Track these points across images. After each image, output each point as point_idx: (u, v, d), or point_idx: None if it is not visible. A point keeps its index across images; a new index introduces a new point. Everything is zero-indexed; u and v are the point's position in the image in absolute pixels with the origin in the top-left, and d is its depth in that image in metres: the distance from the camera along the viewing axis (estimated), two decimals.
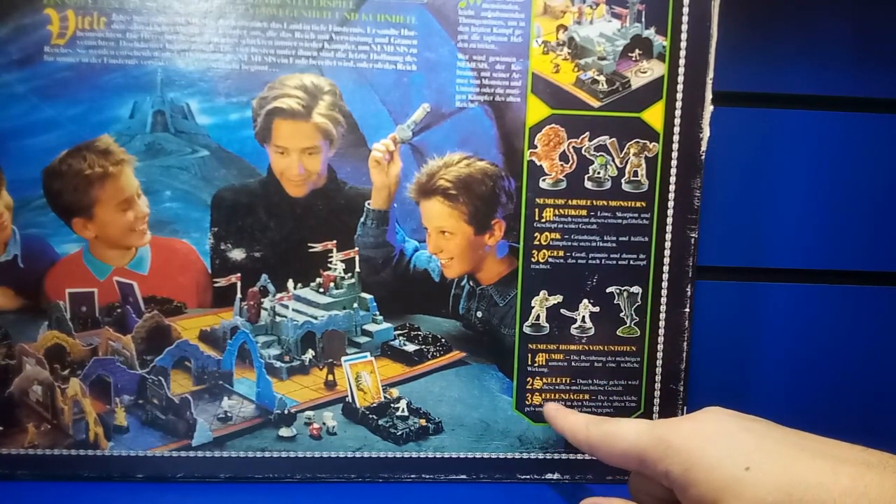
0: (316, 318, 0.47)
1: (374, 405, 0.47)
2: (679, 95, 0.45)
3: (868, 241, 0.58)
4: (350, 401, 0.47)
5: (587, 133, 0.45)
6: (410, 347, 0.48)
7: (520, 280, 0.47)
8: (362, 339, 0.48)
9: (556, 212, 0.46)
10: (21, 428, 0.46)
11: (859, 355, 0.59)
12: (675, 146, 0.46)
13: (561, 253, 0.46)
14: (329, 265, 0.46)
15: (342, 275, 0.46)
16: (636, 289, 0.47)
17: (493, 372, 0.48)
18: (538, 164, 0.46)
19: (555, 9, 0.44)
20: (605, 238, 0.46)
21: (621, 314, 0.47)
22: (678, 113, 0.45)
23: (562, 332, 0.47)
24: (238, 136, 0.44)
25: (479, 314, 0.48)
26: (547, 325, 0.47)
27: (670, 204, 0.46)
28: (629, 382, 0.48)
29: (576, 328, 0.47)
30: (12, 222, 0.44)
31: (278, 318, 0.47)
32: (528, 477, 0.48)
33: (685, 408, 0.48)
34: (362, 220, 0.46)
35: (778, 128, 0.56)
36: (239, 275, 0.46)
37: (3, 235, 0.44)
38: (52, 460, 0.46)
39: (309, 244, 0.46)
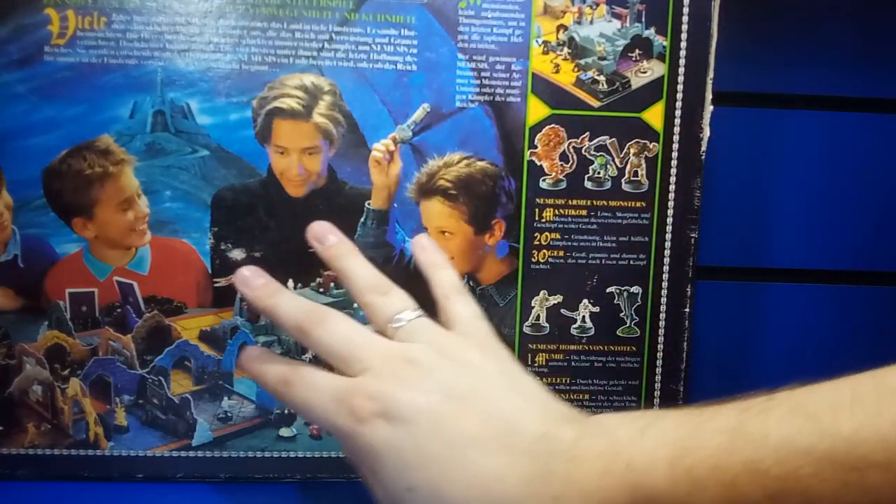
0: None
1: None
2: (679, 95, 0.45)
3: (868, 241, 0.58)
4: None
5: (587, 133, 0.45)
6: None
7: (520, 280, 0.47)
8: None
9: (556, 212, 0.46)
10: (21, 428, 0.46)
11: (859, 355, 0.59)
12: (676, 146, 0.46)
13: (561, 253, 0.46)
14: None
15: None
16: (636, 289, 0.47)
17: None
18: (538, 164, 0.46)
19: (555, 9, 0.44)
20: (605, 238, 0.46)
21: (621, 314, 0.47)
22: (678, 113, 0.45)
23: (562, 332, 0.47)
24: (238, 136, 0.44)
25: None
26: (547, 325, 0.47)
27: (670, 204, 0.46)
28: (629, 382, 0.48)
29: (576, 328, 0.47)
30: (12, 222, 0.44)
31: None
32: None
33: None
34: (362, 220, 0.46)
35: (778, 128, 0.56)
36: None
37: (3, 235, 0.44)
38: (52, 460, 0.46)
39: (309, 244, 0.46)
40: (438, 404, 0.31)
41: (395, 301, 0.36)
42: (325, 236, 0.38)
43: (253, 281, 0.36)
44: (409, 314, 0.35)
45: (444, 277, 0.38)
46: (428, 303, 0.47)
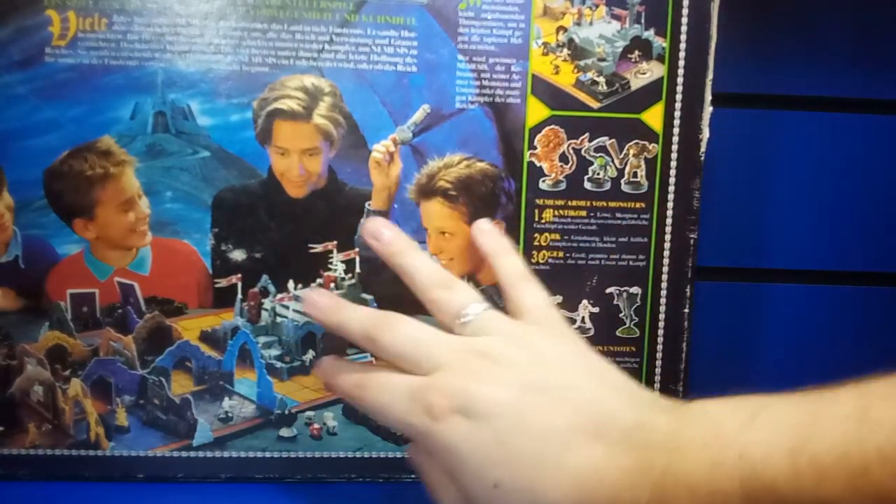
0: None
1: None
2: (678, 97, 0.45)
3: (868, 241, 0.58)
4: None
5: (587, 134, 0.46)
6: None
7: None
8: None
9: (556, 213, 0.46)
10: (22, 428, 0.46)
11: (859, 356, 0.59)
12: (675, 147, 0.46)
13: (560, 254, 0.47)
14: (329, 266, 0.46)
15: (343, 275, 0.47)
16: (636, 289, 0.47)
17: None
18: (538, 165, 0.46)
19: (554, 10, 0.45)
20: (604, 239, 0.46)
21: (621, 315, 0.47)
22: (678, 114, 0.46)
23: None
24: (239, 137, 0.45)
25: None
26: None
27: (670, 205, 0.46)
28: None
29: (575, 328, 0.47)
30: (13, 223, 0.44)
31: (279, 319, 0.47)
32: None
33: None
34: (363, 221, 0.46)
35: (777, 129, 0.56)
36: (240, 275, 0.46)
37: (5, 236, 0.44)
38: (53, 460, 0.46)
39: (309, 245, 0.46)
40: (520, 397, 0.30)
41: (460, 295, 0.35)
42: (380, 232, 0.37)
43: (318, 300, 0.36)
44: (477, 307, 0.34)
45: (510, 264, 0.37)
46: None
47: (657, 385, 0.48)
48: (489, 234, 0.39)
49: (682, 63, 0.45)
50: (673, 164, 0.46)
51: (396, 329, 0.34)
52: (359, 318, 0.35)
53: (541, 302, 0.35)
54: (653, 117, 0.46)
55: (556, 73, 0.45)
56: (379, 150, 0.45)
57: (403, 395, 0.32)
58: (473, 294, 0.35)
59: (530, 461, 0.29)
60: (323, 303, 0.36)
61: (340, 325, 0.35)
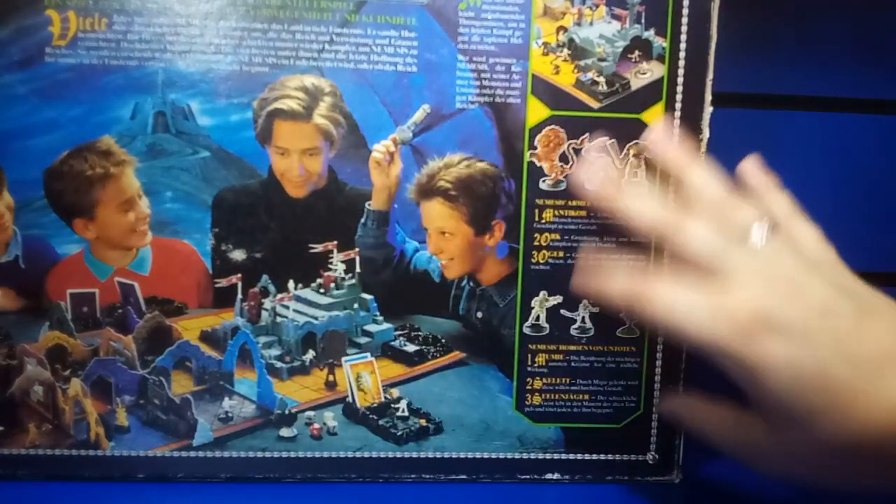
0: (316, 318, 0.47)
1: (375, 405, 0.47)
2: (679, 97, 0.45)
3: (868, 241, 0.58)
4: (350, 401, 0.47)
5: (587, 134, 0.46)
6: (411, 348, 0.48)
7: (520, 281, 0.47)
8: (363, 340, 0.48)
9: (556, 213, 0.46)
10: (22, 428, 0.46)
11: None
12: None
13: (561, 254, 0.47)
14: (329, 266, 0.46)
15: (342, 275, 0.47)
16: None
17: (493, 372, 0.48)
18: (538, 165, 0.46)
19: (555, 10, 0.45)
20: (604, 239, 0.46)
21: (621, 314, 0.47)
22: (678, 114, 0.46)
23: (562, 333, 0.47)
24: (239, 137, 0.45)
25: (480, 315, 0.48)
26: (547, 325, 0.47)
27: None
28: (629, 383, 0.48)
29: (576, 328, 0.47)
30: (13, 223, 0.44)
31: (279, 319, 0.47)
32: (528, 477, 0.48)
33: None
34: (363, 220, 0.46)
35: (777, 129, 0.56)
36: (240, 275, 0.46)
37: (5, 236, 0.44)
38: (53, 460, 0.46)
39: (309, 245, 0.46)
40: (838, 322, 0.30)
41: (749, 214, 0.34)
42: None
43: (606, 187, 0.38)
44: (766, 229, 0.34)
45: (781, 199, 0.38)
46: (428, 303, 0.48)
47: (657, 385, 0.48)
48: (757, 174, 0.40)
49: (682, 63, 0.45)
50: None
51: (690, 230, 0.33)
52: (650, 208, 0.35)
53: (815, 236, 0.37)
54: (653, 117, 0.46)
55: (557, 73, 0.45)
56: (379, 150, 0.45)
57: (702, 310, 0.31)
58: (760, 215, 0.35)
59: (847, 386, 0.29)
60: (610, 189, 0.37)
61: (628, 213, 0.36)
